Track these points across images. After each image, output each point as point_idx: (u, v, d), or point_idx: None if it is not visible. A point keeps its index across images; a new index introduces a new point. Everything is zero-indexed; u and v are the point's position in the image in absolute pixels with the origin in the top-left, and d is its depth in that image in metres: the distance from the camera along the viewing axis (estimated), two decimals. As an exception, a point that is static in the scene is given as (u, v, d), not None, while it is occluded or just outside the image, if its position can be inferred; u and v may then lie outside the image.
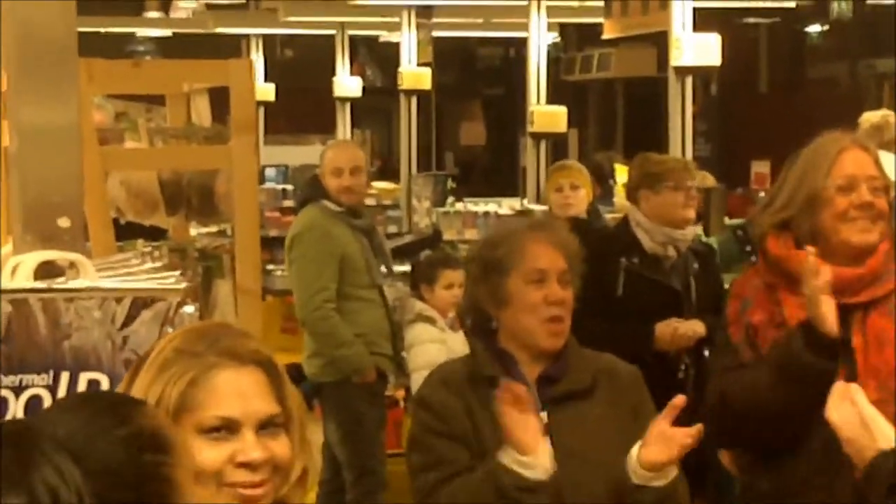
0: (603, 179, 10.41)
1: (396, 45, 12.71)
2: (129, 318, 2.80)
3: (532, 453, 3.24)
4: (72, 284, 2.85)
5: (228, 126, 4.04)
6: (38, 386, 2.74)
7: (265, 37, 15.53)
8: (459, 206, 10.49)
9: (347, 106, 14.13)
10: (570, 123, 10.71)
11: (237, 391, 2.19)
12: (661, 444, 3.27)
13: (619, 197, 10.00)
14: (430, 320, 6.56)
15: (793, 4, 11.84)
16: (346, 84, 14.07)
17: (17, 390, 2.73)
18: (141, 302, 2.81)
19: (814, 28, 16.67)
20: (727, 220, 8.65)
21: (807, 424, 3.40)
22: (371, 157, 15.53)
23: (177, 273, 2.99)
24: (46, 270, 2.91)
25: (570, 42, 17.42)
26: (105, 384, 2.75)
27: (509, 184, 16.20)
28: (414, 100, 12.29)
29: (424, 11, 12.23)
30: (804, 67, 17.13)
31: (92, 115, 4.16)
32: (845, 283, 3.46)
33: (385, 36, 15.02)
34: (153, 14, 15.70)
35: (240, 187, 3.92)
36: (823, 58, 16.82)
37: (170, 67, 5.30)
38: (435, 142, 18.26)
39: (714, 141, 17.02)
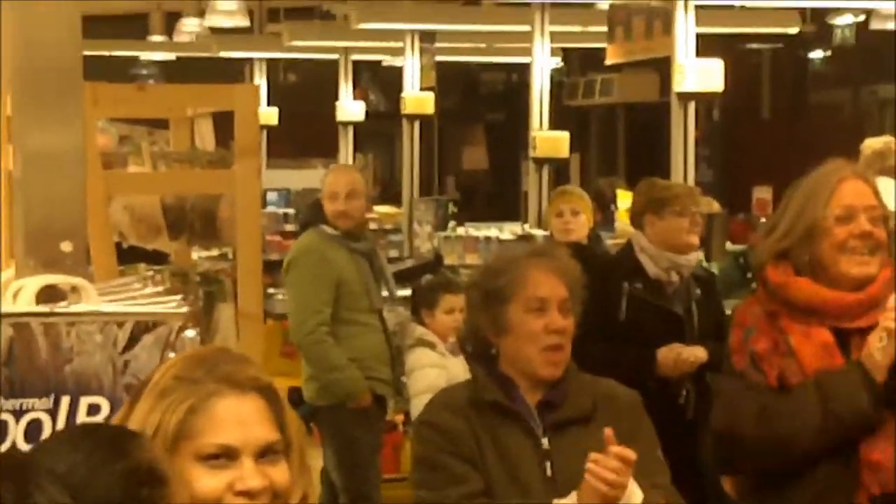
0: (605, 205, 10.43)
1: (399, 70, 12.73)
2: (131, 343, 2.80)
3: None
4: (73, 308, 2.85)
5: (231, 150, 4.05)
6: (38, 410, 2.74)
7: (269, 61, 15.55)
8: (461, 230, 10.48)
9: (350, 130, 14.15)
10: (573, 148, 10.73)
11: (236, 419, 2.18)
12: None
13: (621, 222, 10.00)
14: (430, 345, 6.55)
15: (795, 30, 11.85)
16: (349, 108, 14.09)
17: (18, 414, 2.73)
18: (142, 326, 2.81)
19: (816, 54, 16.69)
20: (729, 246, 8.66)
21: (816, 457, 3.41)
22: (373, 181, 15.57)
23: (178, 297, 2.98)
24: (48, 294, 2.91)
25: (572, 67, 17.45)
26: (106, 409, 2.75)
27: (511, 209, 16.20)
28: (417, 124, 12.30)
29: (427, 36, 12.26)
30: (807, 93, 17.15)
31: (96, 139, 4.17)
32: (844, 308, 3.48)
33: (388, 61, 15.04)
34: (157, 38, 15.74)
35: (243, 212, 3.92)
36: (826, 84, 16.84)
37: (174, 92, 5.32)
38: (437, 166, 18.28)
39: (716, 166, 17.03)
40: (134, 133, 5.88)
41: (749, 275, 6.68)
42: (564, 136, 10.29)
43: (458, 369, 6.14)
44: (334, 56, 14.03)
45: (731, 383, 3.59)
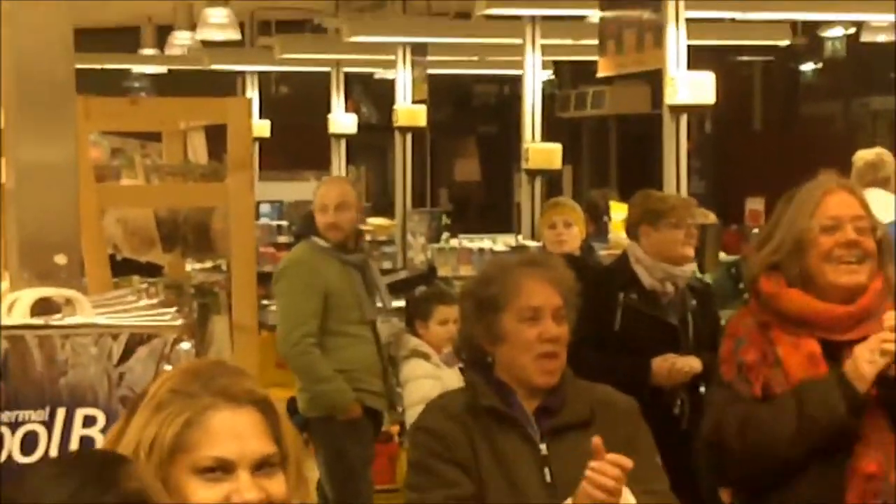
0: (598, 216, 10.44)
1: (391, 83, 12.75)
2: (126, 355, 2.80)
3: None
4: (68, 321, 2.85)
5: (224, 163, 4.06)
6: (34, 422, 2.74)
7: (260, 74, 15.57)
8: (454, 242, 10.50)
9: (342, 142, 14.17)
10: (565, 160, 10.74)
11: (232, 432, 2.18)
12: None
13: (614, 234, 10.02)
14: (424, 356, 6.56)
15: (786, 43, 11.89)
16: (341, 121, 14.11)
17: (14, 426, 2.73)
18: (137, 338, 2.81)
19: (808, 66, 16.74)
20: (722, 256, 8.67)
21: (803, 465, 3.42)
22: (366, 193, 15.58)
23: (173, 310, 2.99)
24: (43, 307, 2.91)
25: (564, 79, 17.47)
26: (101, 420, 2.75)
27: (504, 220, 16.23)
28: (409, 136, 12.32)
29: (419, 49, 12.28)
30: (798, 105, 17.19)
31: (89, 152, 4.18)
32: (835, 320, 3.49)
33: (380, 73, 15.06)
34: (149, 51, 15.75)
35: (236, 224, 3.93)
36: (817, 96, 16.88)
37: (167, 105, 5.33)
38: (430, 178, 18.29)
39: (708, 178, 17.06)
40: (126, 146, 5.88)
41: (741, 286, 6.69)
42: (557, 147, 10.31)
43: (452, 380, 6.14)
44: (326, 69, 14.05)
45: (719, 394, 3.61)
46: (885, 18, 10.82)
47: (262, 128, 14.75)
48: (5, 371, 2.74)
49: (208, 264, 6.49)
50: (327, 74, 14.09)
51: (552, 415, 3.48)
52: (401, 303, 7.74)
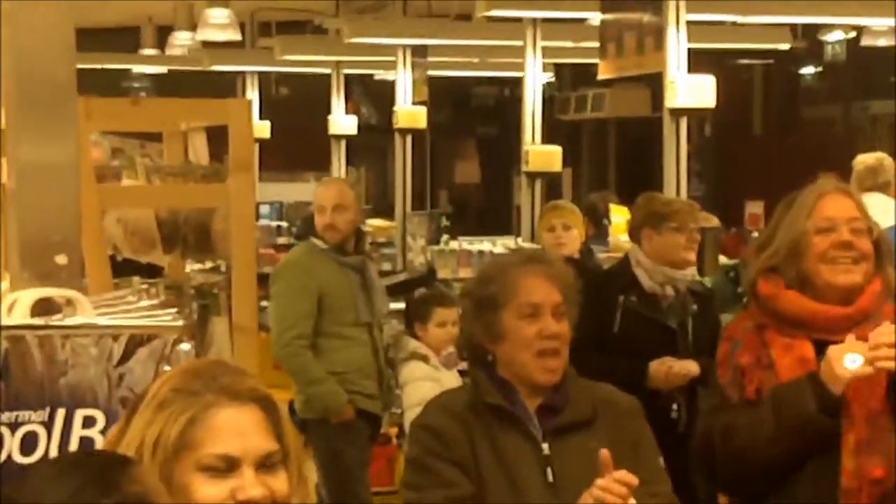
0: (597, 219, 10.43)
1: (391, 84, 12.75)
2: (126, 356, 2.80)
3: None
4: (68, 321, 2.85)
5: (225, 164, 4.06)
6: (34, 422, 2.74)
7: (260, 75, 15.57)
8: (454, 244, 10.49)
9: (342, 144, 14.16)
10: (565, 163, 10.74)
11: (236, 429, 2.20)
12: None
13: (614, 237, 10.02)
14: (423, 358, 6.56)
15: (787, 46, 11.89)
16: (341, 122, 14.11)
17: (14, 427, 2.73)
18: (137, 339, 2.82)
19: (808, 70, 16.74)
20: (721, 259, 8.67)
21: (794, 471, 3.43)
22: (365, 195, 15.58)
23: (173, 310, 2.99)
24: (43, 307, 2.92)
25: (564, 81, 17.48)
26: (101, 421, 2.76)
27: (503, 222, 16.23)
28: (409, 138, 12.32)
29: (420, 51, 12.28)
30: (798, 109, 17.20)
31: (90, 152, 4.18)
32: (833, 321, 3.50)
33: (380, 75, 15.06)
34: (149, 51, 15.75)
35: (237, 225, 3.94)
36: (817, 100, 16.89)
37: (168, 106, 5.33)
38: (430, 180, 18.29)
39: (708, 181, 17.07)
40: (126, 146, 5.89)
41: (739, 289, 6.69)
42: (557, 150, 10.31)
43: (451, 382, 6.15)
44: (326, 70, 14.05)
45: (712, 399, 3.63)
46: (885, 23, 10.83)
47: (262, 129, 14.74)
48: (5, 371, 2.74)
49: (208, 265, 6.49)
50: (327, 76, 14.09)
51: (555, 413, 3.46)
52: (400, 305, 7.73)
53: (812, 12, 10.04)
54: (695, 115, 8.62)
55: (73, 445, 2.72)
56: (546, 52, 10.38)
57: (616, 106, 16.73)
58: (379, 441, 7.18)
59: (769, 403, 3.45)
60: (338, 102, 14.07)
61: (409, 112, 12.28)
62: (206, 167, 4.83)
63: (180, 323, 2.89)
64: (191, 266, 5.97)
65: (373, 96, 18.18)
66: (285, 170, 15.80)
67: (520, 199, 10.90)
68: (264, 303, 8.87)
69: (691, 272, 5.92)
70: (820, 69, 16.47)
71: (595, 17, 9.49)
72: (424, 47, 12.25)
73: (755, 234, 9.99)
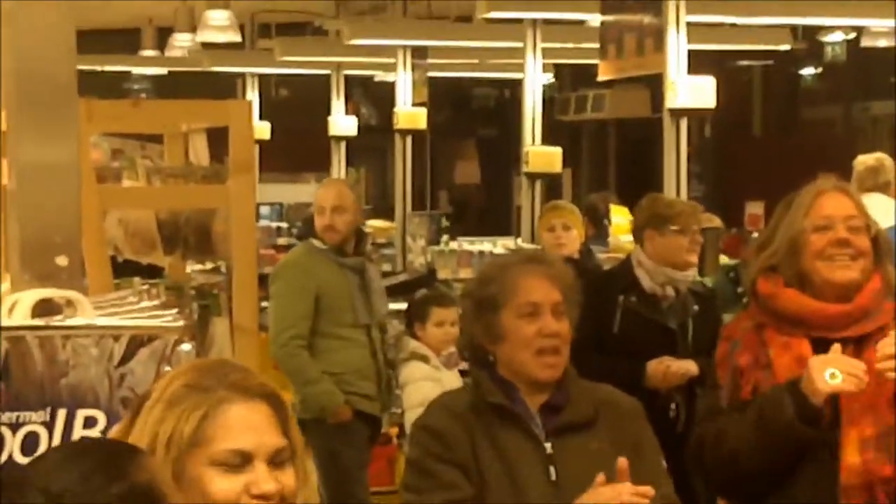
0: (597, 220, 10.44)
1: (391, 85, 12.75)
2: (127, 356, 2.81)
3: None
4: (69, 322, 2.86)
5: (226, 165, 4.07)
6: (35, 423, 2.74)
7: (260, 76, 15.57)
8: (454, 244, 10.50)
9: (342, 145, 14.16)
10: (565, 163, 10.74)
11: (248, 425, 2.22)
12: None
13: (614, 237, 10.02)
14: (423, 358, 6.56)
15: (787, 47, 11.90)
16: (342, 123, 14.11)
17: (14, 427, 2.74)
18: (138, 340, 2.82)
19: (808, 71, 16.75)
20: (722, 260, 8.67)
21: (785, 475, 3.43)
22: (366, 195, 15.58)
23: (174, 311, 2.99)
24: (44, 308, 2.92)
25: (564, 82, 17.48)
26: (102, 421, 2.76)
27: (503, 223, 16.24)
28: (409, 139, 12.33)
29: (420, 52, 12.29)
30: (798, 110, 17.21)
31: (90, 154, 4.19)
32: (831, 319, 3.51)
33: (380, 76, 15.06)
34: (149, 53, 15.75)
35: (237, 226, 3.94)
36: (817, 100, 16.90)
37: (169, 107, 5.33)
38: (430, 181, 18.30)
39: (708, 182, 17.07)
40: (126, 147, 5.90)
41: (740, 289, 6.69)
42: (557, 151, 10.31)
43: (452, 382, 6.15)
44: (326, 71, 14.05)
45: (708, 401, 3.63)
46: (885, 24, 10.83)
47: (262, 130, 14.74)
48: (6, 372, 2.75)
49: (209, 266, 6.50)
50: (327, 77, 14.09)
51: (557, 412, 3.46)
52: (400, 306, 7.74)
53: (812, 13, 10.04)
54: (695, 116, 8.62)
55: (74, 446, 2.72)
56: (546, 52, 10.39)
57: (616, 107, 16.74)
58: (379, 441, 7.18)
59: (754, 409, 3.45)
60: (338, 103, 14.08)
61: (410, 113, 12.28)
62: (207, 168, 4.84)
63: (181, 324, 2.89)
64: (191, 267, 5.97)
65: (373, 97, 18.19)
66: (286, 171, 15.81)
67: (520, 200, 10.91)
68: (265, 303, 8.89)
69: (692, 273, 5.92)
70: (820, 70, 16.48)
71: (595, 19, 9.49)
72: (424, 48, 12.25)
73: (755, 235, 10.00)
